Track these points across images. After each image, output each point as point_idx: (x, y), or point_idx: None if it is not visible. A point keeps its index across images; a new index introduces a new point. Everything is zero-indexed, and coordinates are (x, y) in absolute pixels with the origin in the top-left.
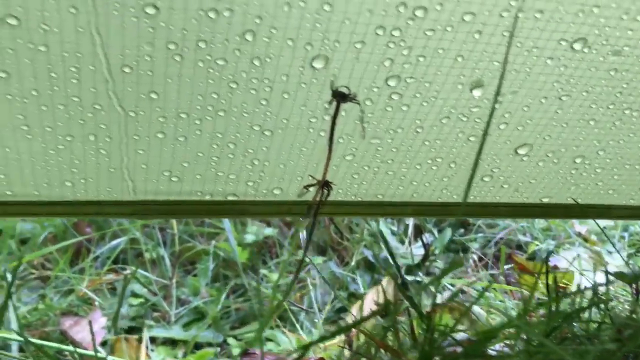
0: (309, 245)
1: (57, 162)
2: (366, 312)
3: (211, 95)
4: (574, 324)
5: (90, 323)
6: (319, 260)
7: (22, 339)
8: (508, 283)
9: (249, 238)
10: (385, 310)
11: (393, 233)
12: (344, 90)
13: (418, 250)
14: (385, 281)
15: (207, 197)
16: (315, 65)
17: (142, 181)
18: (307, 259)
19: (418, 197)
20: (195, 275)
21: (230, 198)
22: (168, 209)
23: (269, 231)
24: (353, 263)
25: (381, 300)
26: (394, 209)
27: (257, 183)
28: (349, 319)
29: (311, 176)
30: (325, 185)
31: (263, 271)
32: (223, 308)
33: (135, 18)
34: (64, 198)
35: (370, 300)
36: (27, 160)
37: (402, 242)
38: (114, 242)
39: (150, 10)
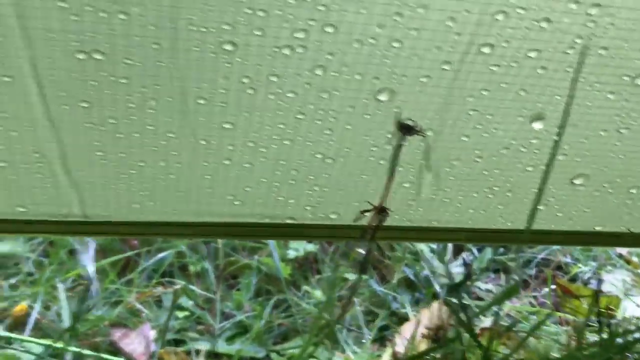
0: (366, 266)
1: (128, 185)
2: (418, 335)
3: (278, 125)
4: (628, 354)
5: (141, 335)
6: (364, 278)
7: (76, 349)
8: (553, 306)
9: (291, 254)
10: (437, 334)
11: (432, 251)
12: (409, 122)
13: (457, 269)
14: (436, 305)
15: (267, 220)
16: (381, 98)
17: (206, 204)
18: (355, 276)
19: (473, 223)
20: (238, 290)
21: (288, 221)
22: (229, 231)
23: (310, 247)
24: (394, 281)
25: (433, 323)
26: (448, 235)
27: (315, 207)
28: (398, 339)
29: (368, 202)
30: (381, 211)
31: (305, 287)
32: (266, 323)
33: (213, 54)
34: (132, 219)
35: (421, 322)
36: (99, 184)
37: (442, 261)
38: (161, 255)
39: (228, 47)
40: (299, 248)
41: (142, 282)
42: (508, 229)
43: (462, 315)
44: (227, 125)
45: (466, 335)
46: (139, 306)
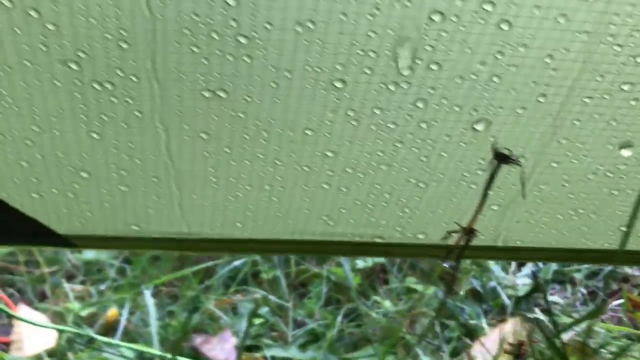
0: (452, 286)
1: (235, 207)
2: (492, 349)
3: (377, 153)
4: None
5: (222, 341)
6: (430, 290)
7: (168, 355)
8: (619, 320)
9: (360, 264)
10: (520, 350)
11: (497, 262)
12: (505, 151)
13: (522, 280)
14: (515, 320)
15: (356, 239)
16: (477, 128)
17: (302, 223)
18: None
19: (555, 244)
20: (309, 298)
21: (376, 240)
22: (320, 248)
23: (378, 258)
24: (462, 293)
25: (512, 339)
26: (529, 254)
27: (405, 228)
28: (476, 352)
29: (456, 223)
30: (470, 232)
31: (375, 297)
32: (337, 331)
33: (324, 90)
34: (235, 237)
35: (497, 337)
36: (208, 205)
37: (506, 272)
38: (236, 263)
39: (338, 84)
40: (367, 259)
41: (218, 288)
42: (589, 248)
43: (545, 331)
44: (329, 153)
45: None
46: (217, 312)
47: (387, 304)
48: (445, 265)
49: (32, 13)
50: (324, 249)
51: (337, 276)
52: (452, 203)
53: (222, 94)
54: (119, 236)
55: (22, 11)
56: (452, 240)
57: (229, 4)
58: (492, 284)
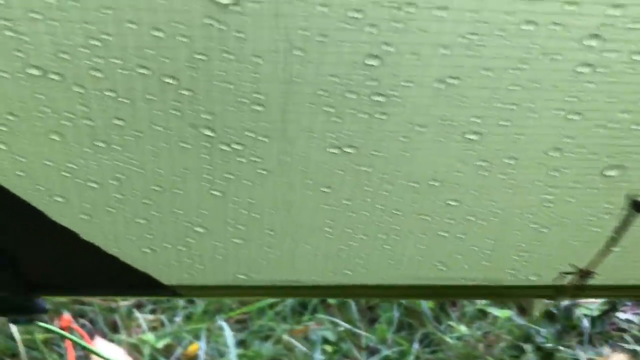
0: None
1: (347, 255)
2: None
3: (503, 201)
4: None
5: None
6: (507, 313)
7: None
8: None
9: None
10: None
11: None
12: None
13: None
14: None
15: (469, 283)
16: (609, 174)
17: (413, 270)
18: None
19: None
20: (380, 323)
21: (485, 283)
22: (429, 292)
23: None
24: (537, 314)
25: None
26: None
27: (518, 270)
28: None
29: (572, 265)
30: (587, 273)
31: (450, 322)
32: (413, 358)
33: (456, 142)
34: (343, 283)
35: None
36: (320, 254)
37: None
38: None
39: (472, 137)
40: None
41: (289, 315)
42: None
43: None
44: (452, 203)
45: None
46: (292, 341)
47: (462, 328)
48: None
49: (169, 80)
50: (433, 293)
51: (407, 300)
52: (571, 247)
53: (350, 150)
54: (226, 285)
55: (159, 79)
56: (565, 280)
57: (372, 65)
58: (566, 303)
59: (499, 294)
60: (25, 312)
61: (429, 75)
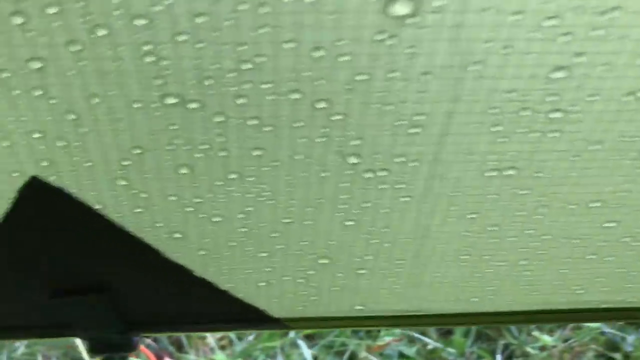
0: None
1: (478, 283)
2: None
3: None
4: None
5: None
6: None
7: None
8: None
9: None
10: None
11: None
12: None
13: None
14: None
15: (601, 306)
16: None
17: (547, 295)
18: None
19: None
20: (454, 334)
21: (627, 306)
22: (565, 317)
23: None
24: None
25: None
26: None
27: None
28: None
29: None
30: None
31: (532, 332)
32: None
33: (630, 160)
34: (465, 311)
35: None
36: (448, 282)
37: None
38: None
39: (509, 172)
40: None
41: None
42: None
43: None
44: (611, 224)
45: None
46: (370, 357)
47: (546, 337)
48: None
49: (322, 105)
50: (565, 318)
51: None
52: None
53: (511, 172)
54: (341, 317)
55: (310, 104)
56: None
57: (557, 78)
58: None
59: (633, 316)
60: (121, 351)
61: (620, 87)
